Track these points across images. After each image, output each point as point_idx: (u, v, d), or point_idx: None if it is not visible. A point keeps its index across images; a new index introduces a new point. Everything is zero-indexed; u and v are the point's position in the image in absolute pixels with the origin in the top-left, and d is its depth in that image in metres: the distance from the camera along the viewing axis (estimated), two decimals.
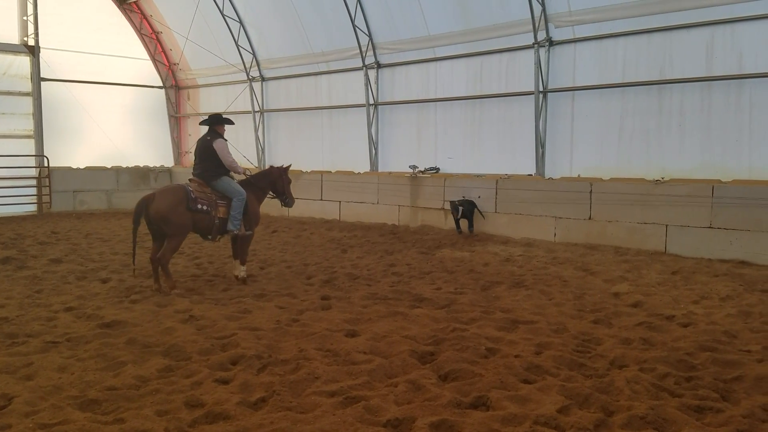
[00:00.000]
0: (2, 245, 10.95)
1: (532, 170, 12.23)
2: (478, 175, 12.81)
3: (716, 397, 4.21)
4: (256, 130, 17.93)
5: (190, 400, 4.13)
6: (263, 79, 17.70)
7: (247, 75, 17.80)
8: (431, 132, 14.16)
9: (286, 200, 8.57)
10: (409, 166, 13.79)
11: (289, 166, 8.72)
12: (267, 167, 9.06)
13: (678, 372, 4.66)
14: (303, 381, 4.47)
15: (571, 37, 11.62)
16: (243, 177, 8.39)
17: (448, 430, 3.73)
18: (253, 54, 17.49)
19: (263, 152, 17.96)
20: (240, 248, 8.15)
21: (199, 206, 7.66)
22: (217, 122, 8.12)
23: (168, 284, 7.49)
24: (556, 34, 11.79)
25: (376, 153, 15.15)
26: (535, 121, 12.05)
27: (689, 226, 9.74)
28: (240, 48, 17.46)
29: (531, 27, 11.84)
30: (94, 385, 4.41)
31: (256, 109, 17.91)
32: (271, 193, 8.58)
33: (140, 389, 4.35)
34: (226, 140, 8.03)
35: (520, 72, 12.43)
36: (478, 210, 12.11)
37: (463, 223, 12.14)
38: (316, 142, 16.73)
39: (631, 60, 10.92)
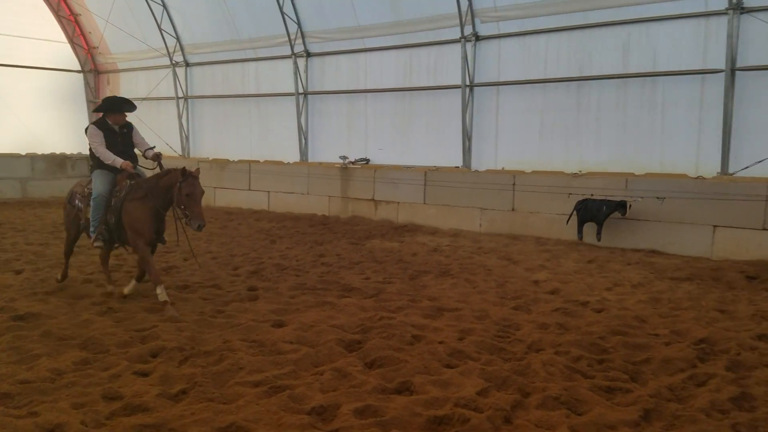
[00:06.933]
0: None
1: (460, 162, 12.48)
2: (407, 167, 12.95)
3: (626, 378, 4.47)
4: (179, 117, 17.38)
5: (107, 393, 4.02)
6: (187, 64, 17.15)
7: (171, 60, 17.20)
8: (362, 123, 14.16)
9: (191, 220, 6.02)
10: (340, 157, 13.77)
11: (197, 170, 6.19)
12: (167, 169, 6.39)
13: (590, 355, 4.91)
14: (226, 372, 4.42)
15: (496, 32, 11.86)
16: (131, 172, 6.43)
17: (372, 414, 3.79)
18: (177, 38, 16.90)
19: (187, 140, 17.44)
20: (139, 261, 6.56)
21: (76, 202, 6.63)
22: (108, 109, 6.54)
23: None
24: (483, 29, 12.00)
25: (306, 143, 15.02)
26: (462, 115, 12.28)
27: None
28: (163, 32, 16.84)
29: (458, 21, 12.02)
30: (6, 379, 4.23)
31: (180, 95, 17.34)
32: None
33: (55, 382, 4.20)
34: (98, 127, 6.47)
35: (448, 65, 12.60)
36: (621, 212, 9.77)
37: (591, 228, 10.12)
38: (243, 131, 16.39)
39: (552, 57, 11.27)
